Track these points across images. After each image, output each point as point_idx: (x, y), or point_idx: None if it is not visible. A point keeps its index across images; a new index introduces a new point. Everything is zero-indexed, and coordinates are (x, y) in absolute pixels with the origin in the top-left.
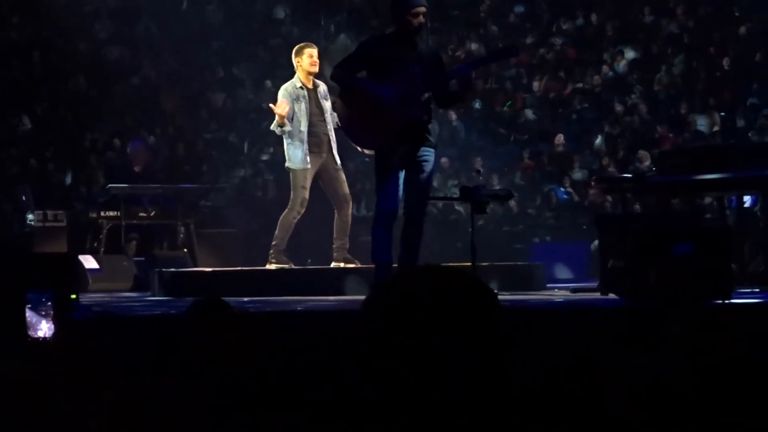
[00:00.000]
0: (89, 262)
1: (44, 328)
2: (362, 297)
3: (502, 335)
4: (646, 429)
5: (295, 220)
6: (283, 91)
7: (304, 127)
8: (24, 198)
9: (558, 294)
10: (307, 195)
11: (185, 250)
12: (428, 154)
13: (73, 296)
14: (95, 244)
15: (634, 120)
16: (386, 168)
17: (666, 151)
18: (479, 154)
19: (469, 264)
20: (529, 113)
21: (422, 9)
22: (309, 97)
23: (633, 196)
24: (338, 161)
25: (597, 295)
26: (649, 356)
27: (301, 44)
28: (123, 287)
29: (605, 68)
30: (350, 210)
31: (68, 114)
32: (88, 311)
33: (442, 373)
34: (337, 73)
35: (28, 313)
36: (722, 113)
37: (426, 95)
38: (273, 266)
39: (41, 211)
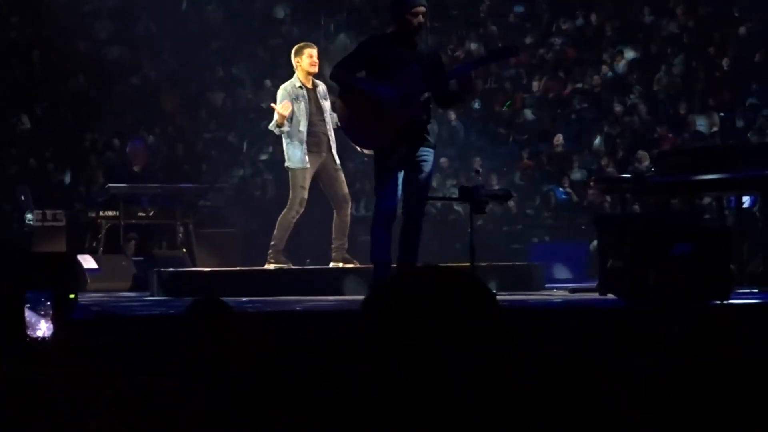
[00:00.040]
0: (88, 261)
1: (43, 328)
2: (361, 297)
3: (500, 335)
4: (644, 429)
5: (294, 220)
6: (283, 91)
7: (303, 127)
8: (23, 197)
9: (557, 294)
10: (306, 195)
11: (184, 249)
12: (427, 155)
13: (72, 296)
14: (94, 244)
15: (633, 120)
16: (385, 168)
17: (665, 152)
18: (478, 154)
19: (468, 264)
20: (529, 113)
21: (422, 9)
22: (308, 96)
23: (632, 197)
24: (337, 161)
25: (596, 295)
26: (648, 356)
27: (301, 44)
28: (122, 287)
29: (605, 68)
30: (349, 210)
31: (68, 114)
32: (87, 311)
33: (442, 373)
34: (337, 73)
35: (27, 313)
36: (721, 113)
37: (425, 95)
38: (272, 266)
39: (40, 211)
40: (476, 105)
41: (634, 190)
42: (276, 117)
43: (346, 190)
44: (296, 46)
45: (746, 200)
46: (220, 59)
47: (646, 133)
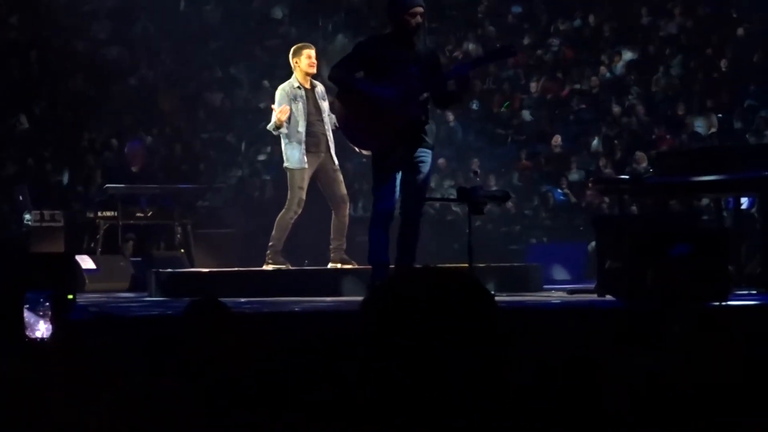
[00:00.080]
0: (86, 262)
1: (42, 329)
2: (359, 298)
3: (498, 336)
4: (644, 429)
5: (292, 221)
6: (281, 92)
7: (301, 128)
8: (21, 198)
9: (555, 295)
10: (304, 195)
11: (182, 250)
12: (425, 155)
13: (70, 296)
14: (92, 245)
15: (631, 121)
16: (383, 168)
17: (663, 153)
18: (476, 154)
19: (466, 265)
20: (527, 114)
21: (420, 9)
22: (307, 97)
23: (630, 198)
24: (336, 162)
25: (594, 296)
26: (647, 357)
27: (299, 45)
28: (120, 287)
29: (603, 69)
30: (347, 211)
31: (66, 114)
32: (85, 311)
33: (440, 374)
34: (335, 74)
35: (26, 314)
36: (720, 115)
37: (424, 96)
38: (270, 267)
39: (38, 211)
40: (474, 106)
41: (632, 191)
42: (274, 119)
43: (344, 190)
44: (294, 47)
45: (744, 201)
46: (218, 59)
47: (644, 134)
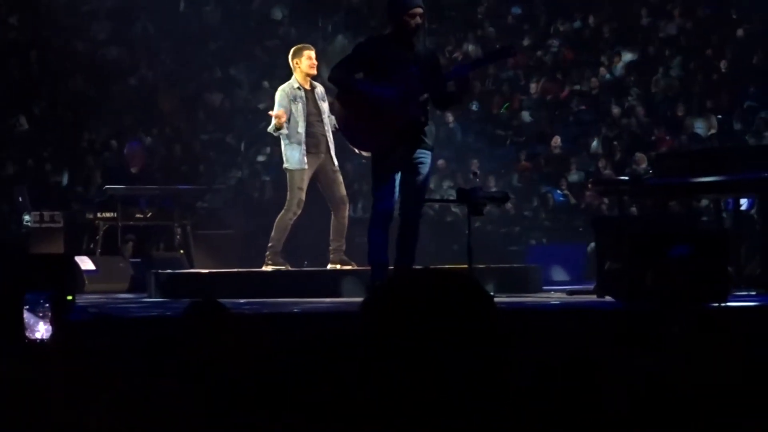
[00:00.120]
0: (86, 263)
1: (42, 330)
2: (359, 299)
3: (498, 337)
4: (643, 429)
5: (292, 222)
6: (281, 92)
7: (301, 128)
8: (21, 199)
9: (554, 296)
10: (303, 196)
11: (182, 251)
12: (424, 156)
13: (69, 297)
14: (92, 245)
15: (631, 122)
16: (383, 169)
17: (663, 154)
18: (476, 155)
19: (466, 266)
20: (526, 115)
21: (419, 10)
22: (306, 98)
23: (630, 199)
24: (336, 163)
25: (593, 297)
26: (646, 357)
27: (299, 45)
28: (119, 288)
29: (602, 70)
30: (347, 212)
31: (66, 114)
32: (84, 312)
33: (439, 375)
34: (335, 75)
35: (26, 315)
36: (719, 116)
37: (423, 96)
38: (269, 268)
39: (38, 212)
40: (474, 107)
41: (631, 192)
42: (274, 121)
43: (344, 191)
44: (294, 48)
45: (744, 202)
46: (218, 60)
47: (644, 136)
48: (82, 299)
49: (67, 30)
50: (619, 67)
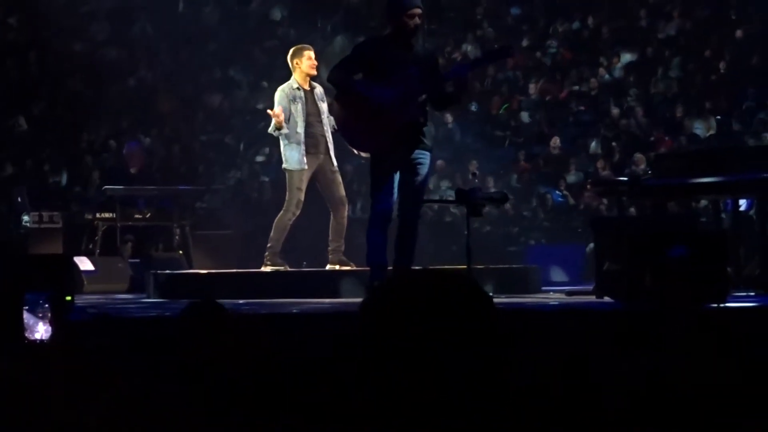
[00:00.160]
0: (85, 263)
1: (41, 330)
2: (358, 299)
3: (497, 337)
4: (643, 429)
5: (291, 222)
6: (280, 93)
7: (300, 129)
8: (20, 199)
9: (553, 297)
10: (302, 197)
11: (180, 251)
12: (423, 157)
13: (68, 298)
14: (91, 246)
15: (630, 123)
16: (382, 170)
17: (662, 155)
18: (475, 156)
19: (465, 266)
20: (525, 116)
21: (418, 10)
22: (306, 98)
23: (628, 199)
24: (335, 163)
25: (592, 298)
26: (646, 357)
27: (299, 46)
28: (118, 289)
29: (601, 71)
30: (346, 212)
31: (65, 115)
32: (83, 313)
33: (439, 375)
34: (334, 76)
35: (26, 315)
36: (718, 117)
37: (422, 97)
38: (268, 268)
39: (37, 213)
40: (473, 107)
41: (630, 193)
42: (274, 121)
43: (343, 192)
44: (294, 48)
45: (743, 203)
46: (217, 61)
47: (643, 136)
48: (81, 300)
49: (66, 31)
50: (618, 68)
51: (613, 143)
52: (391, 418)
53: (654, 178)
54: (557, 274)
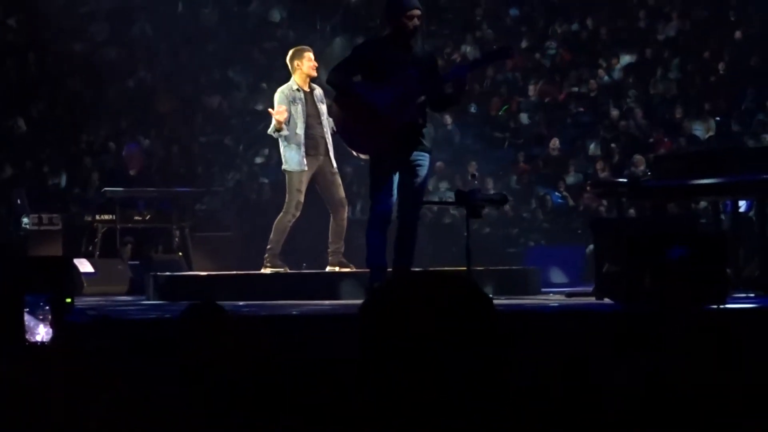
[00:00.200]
0: (84, 265)
1: (42, 332)
2: (357, 301)
3: (497, 338)
4: (643, 429)
5: (290, 224)
6: (280, 94)
7: (300, 130)
8: (19, 201)
9: (553, 298)
10: (302, 198)
11: (180, 253)
12: (422, 158)
13: (68, 300)
14: (90, 248)
15: (629, 124)
16: (381, 171)
17: (661, 156)
18: (474, 157)
19: (464, 268)
20: (524, 117)
21: (417, 12)
22: (305, 99)
23: (628, 201)
24: (335, 165)
25: (592, 299)
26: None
27: (299, 47)
28: (118, 291)
29: (601, 72)
30: (346, 214)
31: (64, 116)
32: (83, 315)
33: (439, 376)
34: (333, 78)
35: (27, 318)
36: (717, 118)
37: (421, 98)
38: (268, 270)
39: (36, 215)
40: (472, 109)
41: (629, 194)
42: (274, 122)
43: (342, 193)
44: (294, 49)
45: (742, 204)
46: (216, 62)
47: (642, 138)
48: (81, 302)
49: (66, 31)
50: (617, 69)
51: (613, 144)
52: (391, 419)
53: (653, 179)
54: (557, 276)
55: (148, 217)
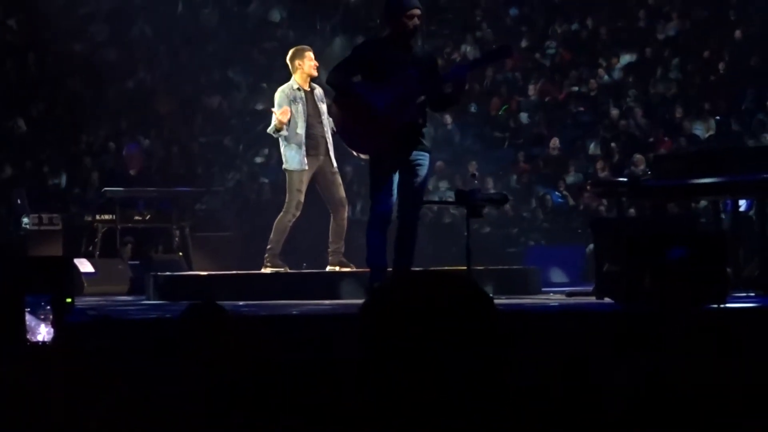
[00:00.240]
0: (85, 265)
1: (43, 332)
2: (358, 301)
3: (498, 338)
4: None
5: (290, 224)
6: (281, 93)
7: (301, 130)
8: (19, 201)
9: (553, 298)
10: (302, 198)
11: (180, 253)
12: (422, 158)
13: (68, 300)
14: (90, 248)
15: (629, 124)
16: (381, 171)
17: (661, 155)
18: (474, 157)
19: (464, 268)
20: (524, 117)
21: (417, 11)
22: (306, 99)
23: (628, 200)
24: (335, 164)
25: (592, 299)
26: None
27: (300, 47)
28: (118, 291)
29: (601, 72)
30: (346, 214)
31: (63, 116)
32: (83, 315)
33: (439, 376)
34: (333, 78)
35: (28, 318)
36: (717, 117)
37: (421, 98)
38: (268, 270)
39: (36, 215)
40: (472, 108)
41: (629, 193)
42: (274, 121)
43: (343, 193)
44: (295, 49)
45: (742, 204)
46: (216, 62)
47: (642, 137)
48: (81, 302)
49: (65, 32)
50: (617, 69)
51: (613, 144)
52: (391, 419)
53: (653, 179)
54: (557, 275)
55: (148, 217)
